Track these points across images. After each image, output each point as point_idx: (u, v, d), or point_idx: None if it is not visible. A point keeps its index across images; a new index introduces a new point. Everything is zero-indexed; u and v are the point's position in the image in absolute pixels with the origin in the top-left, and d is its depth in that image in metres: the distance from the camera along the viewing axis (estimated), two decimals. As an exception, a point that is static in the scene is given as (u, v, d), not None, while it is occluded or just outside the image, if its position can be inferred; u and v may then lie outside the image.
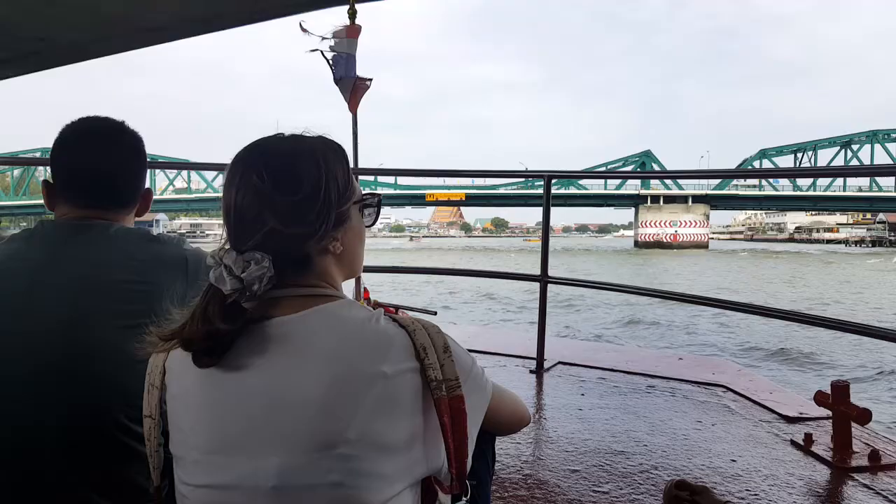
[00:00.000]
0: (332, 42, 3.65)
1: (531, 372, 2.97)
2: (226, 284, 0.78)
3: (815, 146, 78.10)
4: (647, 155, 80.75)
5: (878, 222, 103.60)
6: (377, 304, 4.29)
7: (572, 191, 78.15)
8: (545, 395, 2.67)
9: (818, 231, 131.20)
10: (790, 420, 2.28)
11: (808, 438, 2.03)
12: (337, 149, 0.90)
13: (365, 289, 3.82)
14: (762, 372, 8.15)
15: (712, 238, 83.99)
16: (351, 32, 3.73)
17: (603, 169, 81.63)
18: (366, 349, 0.77)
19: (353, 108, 3.87)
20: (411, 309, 4.47)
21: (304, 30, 3.58)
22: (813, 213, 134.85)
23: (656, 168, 79.79)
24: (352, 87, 3.71)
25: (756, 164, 78.70)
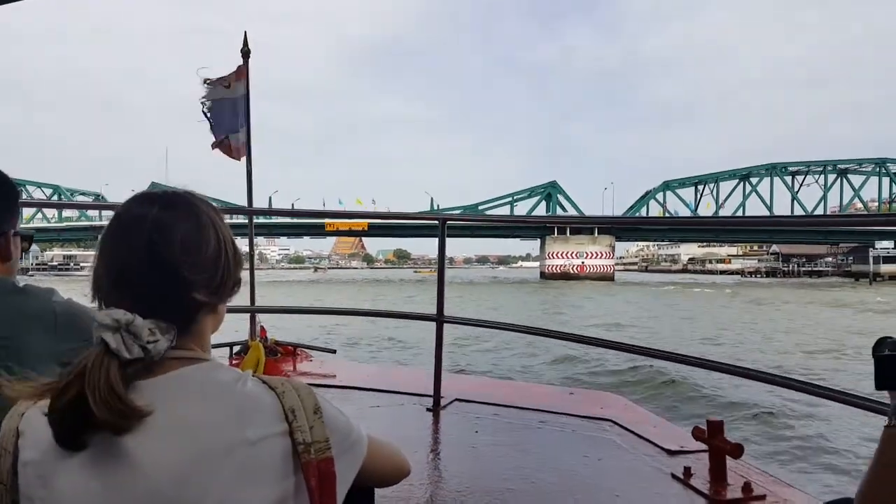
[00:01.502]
0: (215, 90, 3.80)
1: (428, 410, 2.91)
2: (132, 352, 0.73)
3: (716, 178, 78.89)
4: (553, 186, 78.88)
5: (771, 253, 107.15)
6: (275, 343, 3.81)
7: (500, 214, 74.90)
8: (440, 433, 2.66)
9: (711, 262, 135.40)
10: (671, 453, 2.32)
11: (688, 472, 2.09)
12: (219, 211, 0.88)
13: (262, 327, 3.75)
14: (649, 405, 7.94)
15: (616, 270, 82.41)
16: (237, 75, 3.85)
17: (509, 200, 79.52)
18: (228, 414, 0.75)
19: (239, 157, 3.96)
20: (310, 347, 3.96)
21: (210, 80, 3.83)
22: (704, 244, 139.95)
23: (562, 199, 78.14)
24: (230, 142, 3.86)
25: (660, 195, 78.66)
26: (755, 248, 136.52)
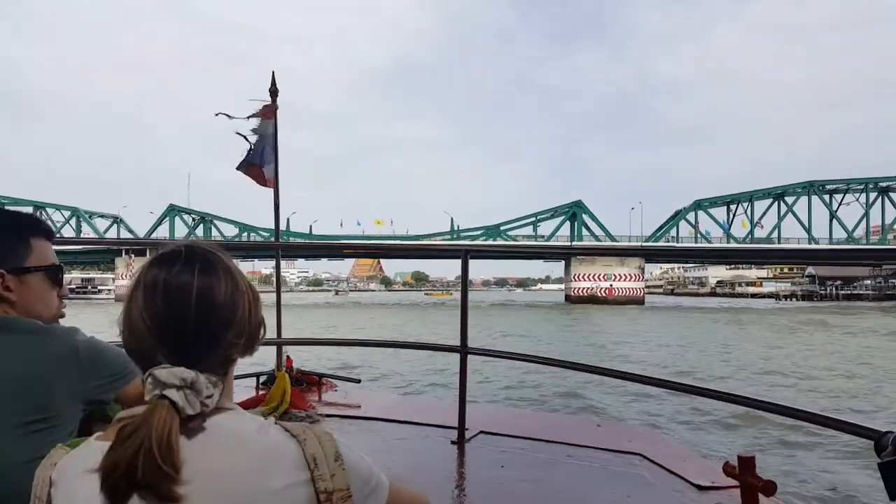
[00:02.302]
0: (254, 123, 3.98)
1: (452, 443, 2.87)
2: (195, 409, 0.76)
3: (751, 197, 75.35)
4: (578, 205, 75.98)
5: (807, 275, 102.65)
6: (301, 373, 3.98)
7: (500, 242, 72.43)
8: (465, 467, 2.62)
9: (740, 285, 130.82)
10: (702, 489, 2.28)
11: None
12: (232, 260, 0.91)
13: (287, 357, 3.85)
14: (678, 437, 8.27)
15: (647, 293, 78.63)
16: (266, 114, 3.99)
17: (532, 220, 76.80)
18: (252, 464, 0.76)
19: (272, 185, 4.09)
20: (334, 377, 4.17)
21: (228, 116, 3.94)
22: (732, 267, 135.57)
23: (587, 218, 75.20)
24: (262, 174, 4.01)
25: (691, 215, 75.35)
26: (785, 269, 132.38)
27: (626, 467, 2.53)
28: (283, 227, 4.43)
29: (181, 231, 76.44)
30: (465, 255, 2.96)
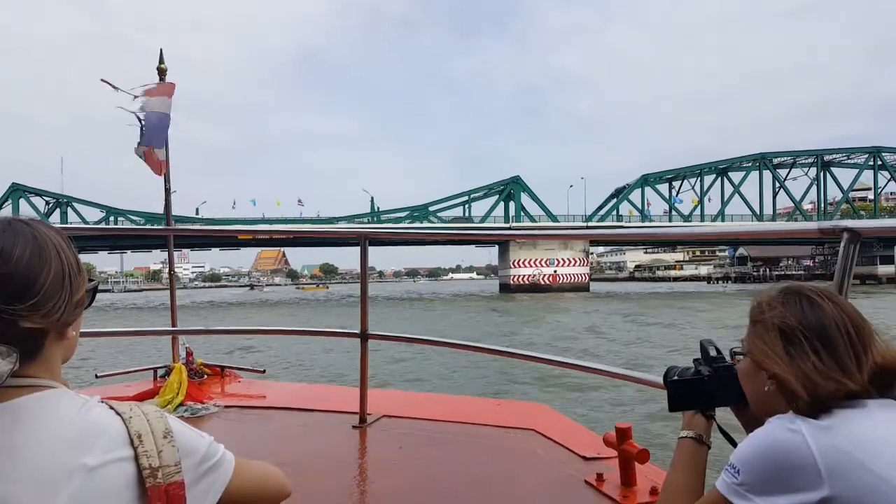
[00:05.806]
0: (143, 101, 3.67)
1: (354, 427, 2.90)
2: None
3: (699, 171, 69.53)
4: (516, 181, 67.53)
5: (738, 256, 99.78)
6: (202, 365, 3.84)
7: (427, 225, 62.85)
8: (364, 450, 2.69)
9: (660, 269, 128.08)
10: (587, 460, 2.38)
11: (599, 478, 2.16)
12: (64, 235, 0.88)
13: (188, 348, 3.80)
14: (577, 413, 8.35)
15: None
16: (166, 91, 3.75)
17: (465, 199, 67.62)
18: (66, 441, 0.73)
19: (160, 172, 3.92)
20: (238, 368, 4.03)
21: (112, 85, 3.57)
22: (651, 251, 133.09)
23: (525, 196, 66.83)
24: (156, 155, 3.78)
25: (638, 191, 68.67)
26: (697, 252, 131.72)
27: (519, 443, 2.61)
28: (160, 207, 4.08)
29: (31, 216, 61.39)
30: (364, 241, 2.90)
